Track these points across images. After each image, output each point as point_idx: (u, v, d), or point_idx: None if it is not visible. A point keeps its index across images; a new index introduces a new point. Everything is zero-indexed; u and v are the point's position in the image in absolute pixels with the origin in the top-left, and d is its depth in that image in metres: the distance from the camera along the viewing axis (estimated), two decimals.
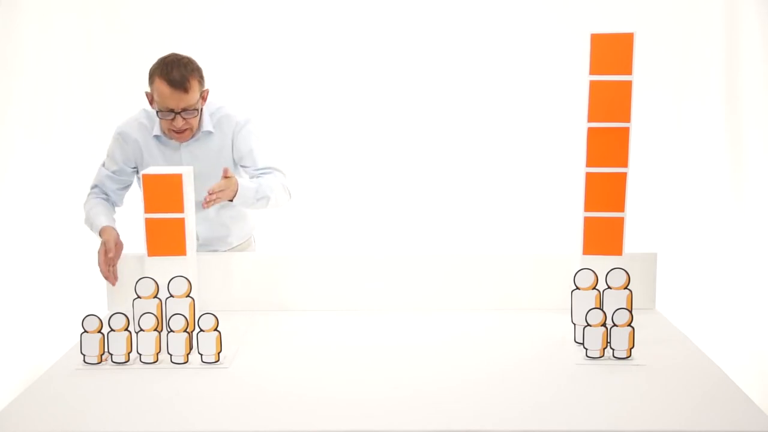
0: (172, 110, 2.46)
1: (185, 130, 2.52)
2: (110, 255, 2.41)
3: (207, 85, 2.57)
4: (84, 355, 2.11)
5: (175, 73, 2.42)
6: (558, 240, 3.47)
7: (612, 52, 2.23)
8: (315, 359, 2.17)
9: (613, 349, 2.10)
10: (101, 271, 2.43)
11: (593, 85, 2.25)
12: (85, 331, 2.10)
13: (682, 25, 3.46)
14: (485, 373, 2.05)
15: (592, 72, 2.25)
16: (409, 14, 3.56)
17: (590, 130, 2.27)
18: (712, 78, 3.46)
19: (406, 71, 3.60)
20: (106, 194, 2.65)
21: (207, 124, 2.60)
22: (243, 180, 2.47)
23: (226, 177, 2.38)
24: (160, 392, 1.95)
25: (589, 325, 2.10)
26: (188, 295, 2.16)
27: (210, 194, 2.34)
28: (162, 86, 2.43)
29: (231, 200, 2.43)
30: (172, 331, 2.10)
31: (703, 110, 3.50)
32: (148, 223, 2.21)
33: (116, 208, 2.67)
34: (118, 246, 2.44)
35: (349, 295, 2.56)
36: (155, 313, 2.12)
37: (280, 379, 2.03)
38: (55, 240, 3.46)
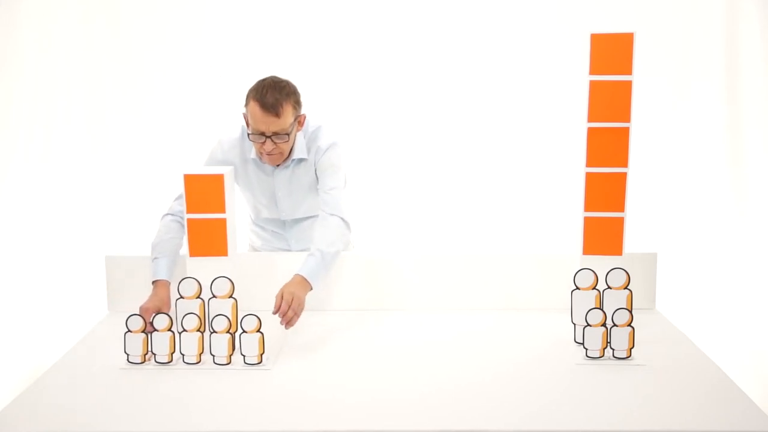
0: (262, 133, 2.41)
1: (275, 154, 2.46)
2: (148, 319, 2.18)
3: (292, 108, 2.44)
4: (128, 355, 2.12)
5: (269, 97, 2.37)
6: (558, 240, 3.47)
7: (612, 52, 2.23)
8: (323, 360, 2.18)
9: (613, 349, 2.10)
10: (142, 315, 2.19)
11: (593, 85, 2.25)
12: (129, 331, 2.10)
13: (682, 25, 3.46)
14: (486, 373, 2.06)
15: (592, 72, 2.25)
16: (409, 15, 3.55)
17: (590, 130, 2.27)
18: (712, 78, 3.45)
19: (405, 72, 3.59)
20: None
21: (300, 151, 2.54)
22: (305, 270, 2.32)
23: (282, 304, 2.23)
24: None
25: (589, 325, 2.10)
26: (231, 296, 2.15)
27: (284, 317, 2.21)
28: (255, 108, 2.38)
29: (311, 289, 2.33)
30: (214, 331, 2.10)
31: (703, 110, 3.50)
32: (190, 223, 2.20)
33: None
34: (162, 311, 2.24)
35: (350, 295, 2.56)
36: (198, 314, 2.12)
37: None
38: (55, 240, 3.46)
